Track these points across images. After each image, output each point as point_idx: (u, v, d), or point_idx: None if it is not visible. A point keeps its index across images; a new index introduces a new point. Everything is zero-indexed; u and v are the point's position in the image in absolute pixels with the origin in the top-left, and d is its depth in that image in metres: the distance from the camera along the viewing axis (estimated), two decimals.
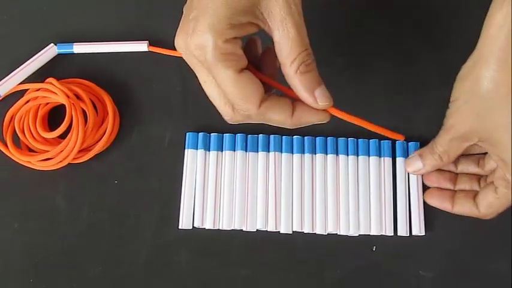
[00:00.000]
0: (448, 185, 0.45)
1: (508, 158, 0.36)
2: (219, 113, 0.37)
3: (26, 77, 0.55)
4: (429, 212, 0.52)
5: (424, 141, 0.50)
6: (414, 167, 0.44)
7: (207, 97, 0.36)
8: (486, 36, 0.34)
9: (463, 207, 0.43)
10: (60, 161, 0.53)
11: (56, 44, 0.57)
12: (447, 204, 0.44)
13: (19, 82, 0.55)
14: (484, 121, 0.36)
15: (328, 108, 0.35)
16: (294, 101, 0.35)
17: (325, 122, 0.36)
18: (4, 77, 0.55)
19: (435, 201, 0.45)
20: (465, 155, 0.45)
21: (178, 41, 0.33)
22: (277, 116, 0.34)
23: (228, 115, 0.34)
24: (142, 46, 0.56)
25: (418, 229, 0.51)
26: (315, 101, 0.34)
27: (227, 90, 0.32)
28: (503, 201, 0.40)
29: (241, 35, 0.32)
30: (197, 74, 0.34)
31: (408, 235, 0.52)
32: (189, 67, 0.35)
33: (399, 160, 0.52)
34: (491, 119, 0.35)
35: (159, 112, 0.56)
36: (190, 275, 0.52)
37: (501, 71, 0.33)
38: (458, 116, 0.38)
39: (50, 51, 0.56)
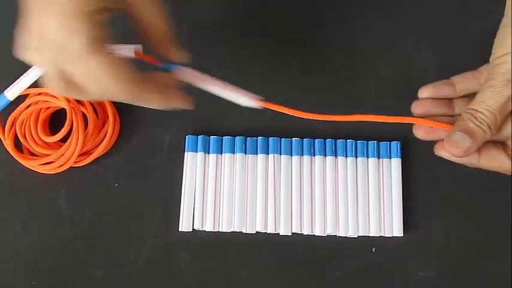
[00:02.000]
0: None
1: None
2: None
3: (33, 81, 0.54)
4: (428, 211, 0.52)
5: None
6: (462, 147, 0.34)
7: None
8: None
9: (493, 161, 0.36)
10: (62, 165, 0.53)
11: None
12: (474, 157, 0.36)
13: (27, 87, 0.53)
14: None
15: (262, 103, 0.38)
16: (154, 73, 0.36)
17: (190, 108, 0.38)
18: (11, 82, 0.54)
19: (463, 160, 0.36)
20: None
21: (28, 41, 0.31)
22: (148, 94, 0.35)
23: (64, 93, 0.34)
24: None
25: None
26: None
27: (96, 76, 0.31)
28: None
29: (105, 16, 0.32)
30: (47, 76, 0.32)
31: (402, 235, 0.52)
32: None
33: (394, 161, 0.53)
34: None
35: (159, 115, 0.56)
36: (190, 277, 0.52)
37: None
38: None
39: None
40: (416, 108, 0.38)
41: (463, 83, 0.38)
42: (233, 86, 0.41)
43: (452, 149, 0.35)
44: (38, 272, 0.53)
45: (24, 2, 0.31)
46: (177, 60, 0.37)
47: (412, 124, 0.40)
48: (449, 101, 0.39)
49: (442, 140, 0.37)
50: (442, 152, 0.37)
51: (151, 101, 0.35)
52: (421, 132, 0.38)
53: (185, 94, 0.38)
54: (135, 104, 0.36)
